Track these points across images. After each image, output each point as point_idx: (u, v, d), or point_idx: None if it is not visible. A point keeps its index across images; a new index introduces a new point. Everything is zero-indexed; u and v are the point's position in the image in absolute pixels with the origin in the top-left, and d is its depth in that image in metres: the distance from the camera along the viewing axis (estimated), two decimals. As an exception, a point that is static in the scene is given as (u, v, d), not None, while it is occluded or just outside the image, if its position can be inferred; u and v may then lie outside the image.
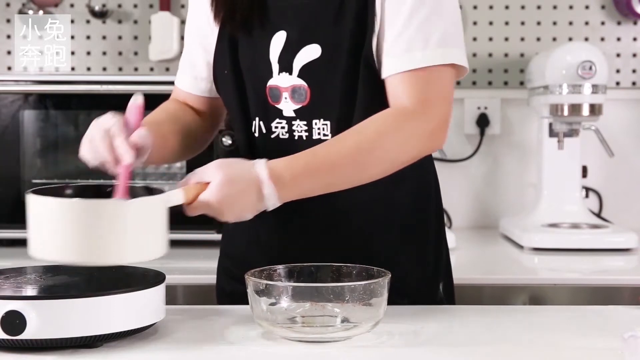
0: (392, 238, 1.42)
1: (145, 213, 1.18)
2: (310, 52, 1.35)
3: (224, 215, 1.23)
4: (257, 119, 1.40)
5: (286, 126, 1.38)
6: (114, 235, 1.14)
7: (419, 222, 1.45)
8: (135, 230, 1.16)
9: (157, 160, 1.41)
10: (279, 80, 1.37)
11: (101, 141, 1.25)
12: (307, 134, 1.37)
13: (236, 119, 1.43)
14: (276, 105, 1.38)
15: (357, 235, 1.39)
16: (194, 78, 1.50)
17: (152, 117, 1.43)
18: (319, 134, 1.36)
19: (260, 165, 1.24)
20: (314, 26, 1.36)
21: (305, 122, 1.37)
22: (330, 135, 1.36)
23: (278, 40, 1.37)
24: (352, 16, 1.33)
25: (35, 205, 1.16)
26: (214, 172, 1.22)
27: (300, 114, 1.37)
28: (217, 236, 2.20)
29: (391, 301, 1.21)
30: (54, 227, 1.14)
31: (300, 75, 1.36)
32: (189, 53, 1.52)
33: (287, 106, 1.37)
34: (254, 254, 1.42)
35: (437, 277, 1.48)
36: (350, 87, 1.34)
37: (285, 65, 1.36)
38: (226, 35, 1.42)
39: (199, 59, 1.49)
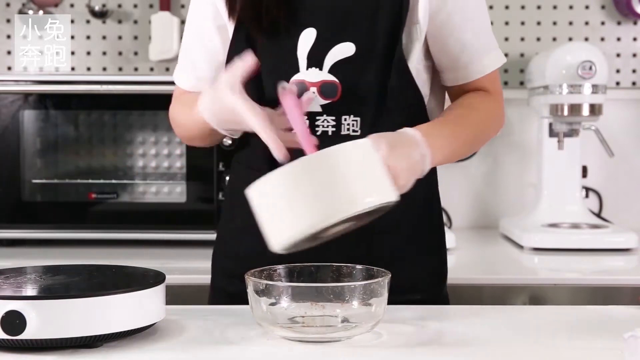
0: (400, 236, 1.42)
1: (363, 156, 1.15)
2: (344, 50, 1.37)
3: (397, 181, 1.21)
4: None
5: (307, 121, 1.38)
6: (349, 182, 1.11)
7: (424, 220, 1.47)
8: (365, 172, 1.14)
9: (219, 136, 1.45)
10: (307, 75, 1.38)
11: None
12: (334, 129, 1.38)
13: None
14: None
15: (365, 233, 1.39)
16: (196, 79, 1.50)
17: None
18: (347, 129, 1.38)
19: (409, 129, 1.28)
20: (347, 25, 1.38)
21: (333, 118, 1.38)
22: (359, 131, 1.38)
23: (307, 37, 1.38)
24: (386, 18, 1.36)
25: (265, 188, 1.12)
26: (376, 141, 1.21)
27: (328, 109, 1.38)
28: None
29: (401, 301, 1.22)
30: (293, 199, 1.10)
31: (330, 71, 1.37)
32: (189, 53, 1.51)
33: (314, 102, 1.38)
34: (264, 254, 1.41)
35: (441, 276, 1.50)
36: (383, 84, 1.37)
37: (315, 61, 1.38)
38: (243, 33, 1.42)
39: (199, 61, 1.49)
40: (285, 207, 1.11)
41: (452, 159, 1.39)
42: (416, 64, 1.40)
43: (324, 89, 1.38)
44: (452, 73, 1.45)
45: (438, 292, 1.49)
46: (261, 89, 1.41)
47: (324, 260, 1.26)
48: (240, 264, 1.32)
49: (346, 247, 1.38)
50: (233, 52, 1.43)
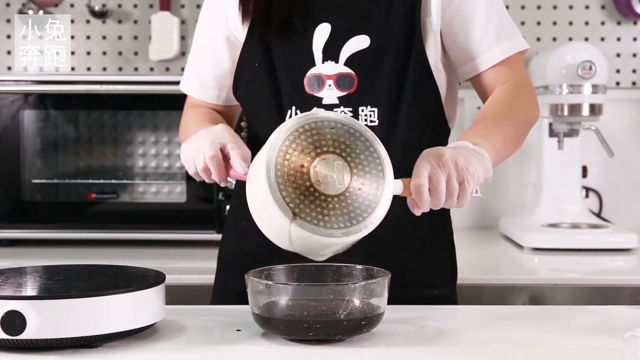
0: (422, 228, 1.44)
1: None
2: (359, 42, 1.40)
3: (476, 181, 1.20)
4: (293, 107, 1.41)
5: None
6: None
7: (443, 216, 1.48)
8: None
9: None
10: (323, 68, 1.40)
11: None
12: None
13: (266, 110, 1.44)
14: (315, 94, 1.41)
15: (398, 219, 1.39)
16: (201, 86, 1.53)
17: (210, 116, 1.49)
18: (365, 120, 1.39)
19: (459, 142, 1.25)
20: (362, 18, 1.40)
21: (350, 109, 1.40)
22: (377, 121, 1.39)
23: (322, 32, 1.40)
24: (400, 10, 1.39)
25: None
26: (440, 151, 1.20)
27: (345, 101, 1.40)
28: (217, 236, 2.21)
29: (420, 295, 1.28)
30: None
31: (346, 64, 1.40)
32: (196, 61, 1.54)
33: (330, 94, 1.40)
34: (276, 249, 1.41)
35: (453, 274, 1.53)
36: (399, 75, 1.39)
37: (331, 54, 1.40)
38: (256, 34, 1.43)
39: (206, 66, 1.51)
40: None
41: (499, 161, 1.37)
42: (434, 56, 1.42)
43: (340, 81, 1.40)
44: (470, 62, 1.44)
45: (451, 291, 1.51)
46: (277, 86, 1.42)
47: (353, 245, 1.25)
48: (251, 261, 1.32)
49: (374, 233, 1.38)
50: (247, 54, 1.45)
